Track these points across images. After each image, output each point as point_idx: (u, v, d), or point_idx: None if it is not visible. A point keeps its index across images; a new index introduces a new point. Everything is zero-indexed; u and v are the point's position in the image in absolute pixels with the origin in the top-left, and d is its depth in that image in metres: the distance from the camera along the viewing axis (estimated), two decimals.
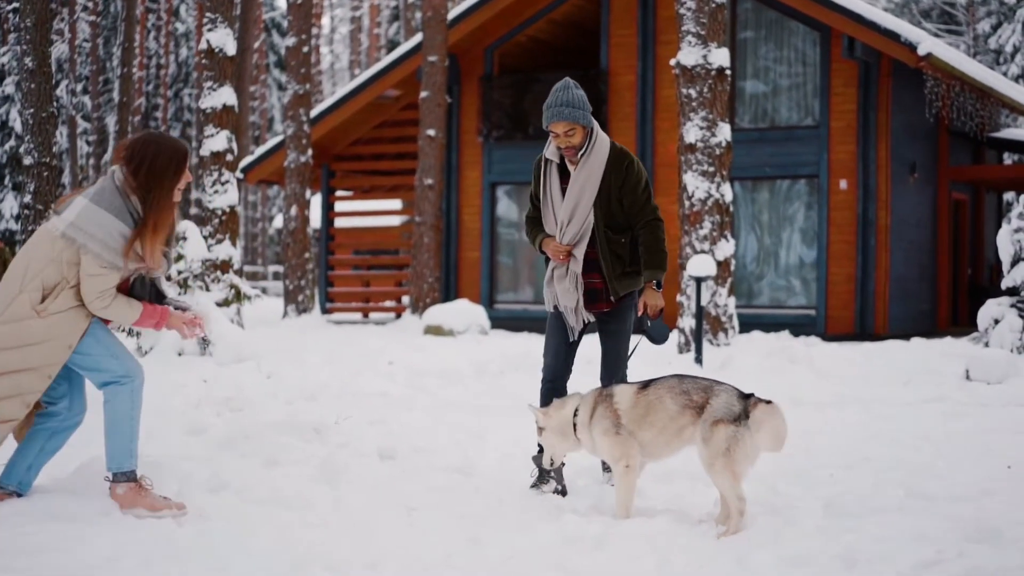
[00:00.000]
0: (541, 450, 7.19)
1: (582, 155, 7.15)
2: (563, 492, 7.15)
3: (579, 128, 7.09)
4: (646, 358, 15.19)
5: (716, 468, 6.15)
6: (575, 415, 6.65)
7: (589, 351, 8.18)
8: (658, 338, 7.25)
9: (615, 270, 7.21)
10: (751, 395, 6.31)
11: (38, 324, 5.98)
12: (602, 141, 7.22)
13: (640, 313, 7.21)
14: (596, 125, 7.22)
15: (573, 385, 7.36)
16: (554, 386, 7.33)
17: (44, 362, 6.01)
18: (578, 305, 7.25)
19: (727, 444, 6.11)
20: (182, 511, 6.16)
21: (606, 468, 7.33)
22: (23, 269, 6.03)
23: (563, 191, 7.25)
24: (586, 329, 7.39)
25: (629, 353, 7.34)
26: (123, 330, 13.52)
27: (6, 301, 5.99)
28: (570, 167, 7.23)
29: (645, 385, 6.55)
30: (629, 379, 7.21)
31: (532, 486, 7.19)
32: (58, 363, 6.05)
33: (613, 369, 7.34)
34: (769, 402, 6.26)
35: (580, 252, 7.22)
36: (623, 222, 7.23)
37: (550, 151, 7.29)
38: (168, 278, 6.40)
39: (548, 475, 7.20)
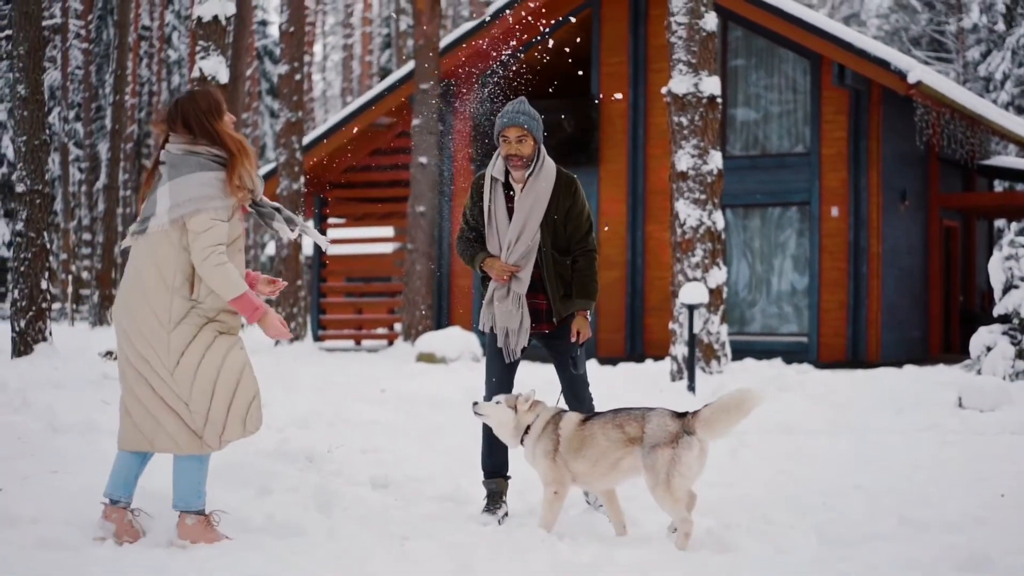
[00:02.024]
0: (489, 475, 7.33)
1: (529, 175, 7.17)
2: (506, 515, 7.22)
3: (530, 138, 7.12)
4: (638, 386, 15.22)
5: (658, 495, 6.30)
6: (528, 426, 6.78)
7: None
8: (580, 366, 7.37)
9: (559, 291, 7.26)
10: (686, 413, 6.42)
11: (200, 309, 6.09)
12: (549, 164, 7.26)
13: (573, 340, 7.26)
14: (543, 148, 7.26)
15: None
16: None
17: (230, 328, 6.21)
18: (520, 327, 7.26)
19: (667, 470, 6.25)
20: (229, 540, 6.25)
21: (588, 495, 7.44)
22: (156, 277, 6.07)
23: (508, 211, 7.25)
24: (524, 353, 7.41)
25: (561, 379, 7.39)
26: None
27: (165, 309, 6.05)
28: (515, 185, 7.24)
29: (587, 419, 6.68)
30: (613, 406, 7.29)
31: (485, 510, 7.24)
32: (239, 326, 6.25)
33: (579, 392, 7.40)
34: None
35: (526, 273, 7.23)
36: (565, 245, 7.29)
37: (496, 168, 7.27)
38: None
39: (501, 500, 7.27)
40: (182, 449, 6.09)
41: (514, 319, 7.26)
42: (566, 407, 7.19)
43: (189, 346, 6.04)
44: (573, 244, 7.28)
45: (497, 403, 6.85)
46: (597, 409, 7.19)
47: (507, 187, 7.29)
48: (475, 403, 6.90)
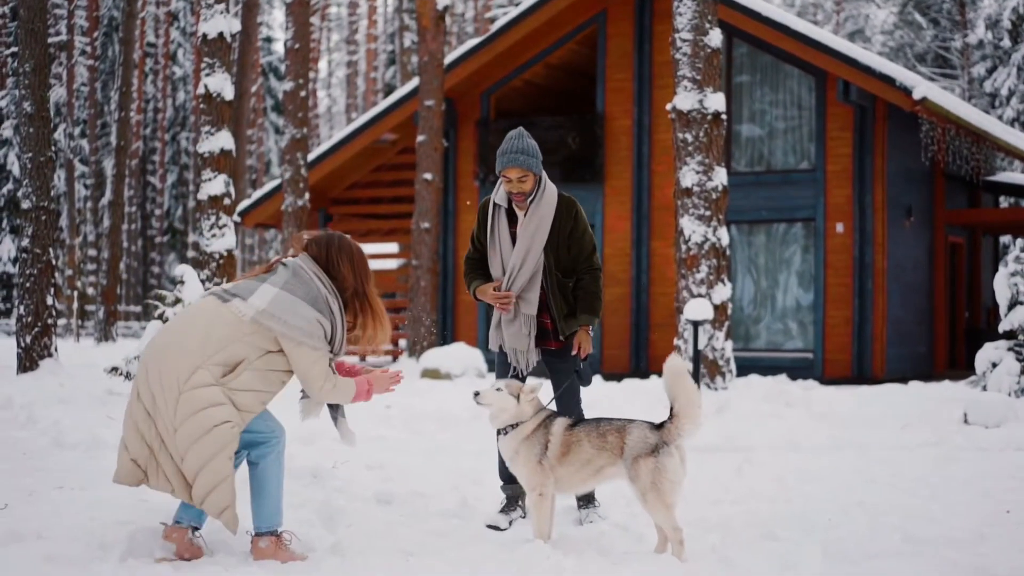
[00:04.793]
0: (507, 481, 7.51)
1: (531, 202, 7.45)
2: (523, 515, 7.53)
3: (531, 175, 7.40)
4: (643, 402, 15.20)
5: (649, 503, 6.41)
6: (520, 423, 6.81)
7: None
8: (586, 380, 7.66)
9: (563, 310, 7.54)
10: (663, 424, 6.52)
11: (223, 390, 6.04)
12: (551, 189, 7.54)
13: (574, 353, 7.55)
14: (544, 174, 7.53)
15: None
16: None
17: (232, 415, 6.06)
18: (529, 348, 7.55)
19: (652, 478, 6.38)
20: (305, 559, 6.26)
21: (580, 504, 7.63)
22: (201, 342, 6.03)
23: (512, 236, 7.52)
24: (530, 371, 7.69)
25: (556, 394, 7.58)
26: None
27: (188, 370, 5.99)
28: (519, 212, 7.52)
29: (574, 424, 6.81)
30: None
31: (500, 511, 7.49)
32: (250, 414, 6.15)
33: (569, 408, 7.58)
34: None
35: (534, 295, 7.49)
36: (569, 266, 7.56)
37: (499, 196, 7.58)
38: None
39: (517, 504, 7.52)
40: (177, 493, 6.04)
41: (523, 340, 7.53)
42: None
43: (195, 415, 5.94)
44: (578, 264, 7.57)
45: (498, 389, 6.88)
46: None
47: (510, 213, 7.57)
48: (476, 392, 6.91)
